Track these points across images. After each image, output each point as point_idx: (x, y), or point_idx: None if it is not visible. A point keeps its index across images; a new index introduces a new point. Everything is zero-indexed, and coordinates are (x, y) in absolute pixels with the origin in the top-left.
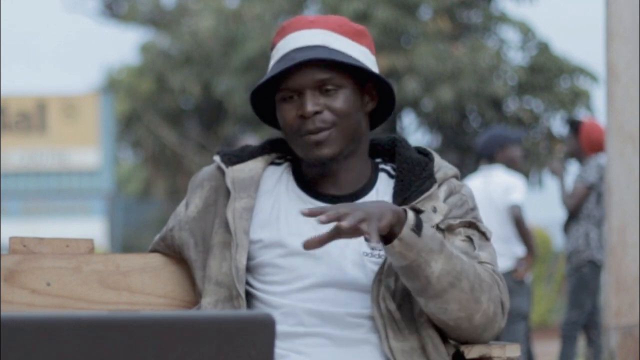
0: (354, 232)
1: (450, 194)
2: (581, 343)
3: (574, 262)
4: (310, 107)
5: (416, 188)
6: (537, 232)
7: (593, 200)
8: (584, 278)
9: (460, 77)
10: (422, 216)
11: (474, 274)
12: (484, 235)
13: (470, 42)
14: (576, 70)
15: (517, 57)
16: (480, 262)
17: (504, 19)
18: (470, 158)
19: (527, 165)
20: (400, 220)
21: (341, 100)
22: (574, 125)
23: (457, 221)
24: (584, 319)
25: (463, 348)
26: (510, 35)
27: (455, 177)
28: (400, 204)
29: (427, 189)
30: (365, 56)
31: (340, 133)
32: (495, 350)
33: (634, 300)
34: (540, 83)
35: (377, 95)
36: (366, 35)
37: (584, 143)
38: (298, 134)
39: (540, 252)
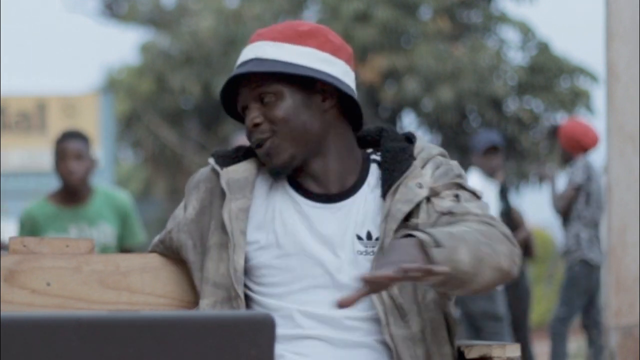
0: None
1: (436, 168)
2: (582, 343)
3: (567, 261)
4: (249, 120)
5: (398, 171)
6: (537, 233)
7: (582, 200)
8: (575, 276)
9: (460, 77)
10: (408, 194)
11: (478, 233)
12: (473, 194)
13: (470, 42)
14: (576, 70)
15: (517, 57)
16: (464, 213)
17: (504, 19)
18: (470, 158)
19: (527, 165)
20: (421, 246)
21: (279, 108)
22: (554, 132)
23: (440, 183)
24: (572, 316)
25: (463, 348)
26: (510, 35)
27: (441, 155)
28: (386, 191)
29: (407, 168)
30: (308, 56)
31: (283, 140)
32: (495, 350)
33: (634, 300)
34: (540, 83)
35: (337, 92)
36: (315, 35)
37: (565, 146)
38: (253, 146)
39: (540, 252)
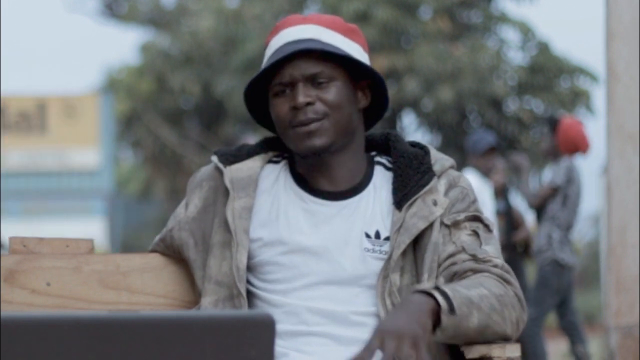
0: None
1: (450, 186)
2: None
3: (538, 261)
4: (302, 98)
5: (415, 182)
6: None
7: (559, 201)
8: (546, 276)
9: (460, 77)
10: (424, 210)
11: (495, 298)
12: (487, 227)
13: (470, 42)
14: (576, 70)
15: (517, 57)
16: (486, 260)
17: (504, 19)
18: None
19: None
20: (435, 311)
21: (333, 92)
22: (553, 123)
23: (462, 216)
24: (543, 315)
25: (463, 348)
26: (510, 35)
27: (452, 167)
28: (400, 199)
29: (427, 183)
30: (358, 52)
31: (331, 124)
32: (495, 350)
33: (634, 300)
34: (540, 83)
35: (371, 93)
36: (359, 33)
37: (560, 142)
38: (290, 125)
39: None
